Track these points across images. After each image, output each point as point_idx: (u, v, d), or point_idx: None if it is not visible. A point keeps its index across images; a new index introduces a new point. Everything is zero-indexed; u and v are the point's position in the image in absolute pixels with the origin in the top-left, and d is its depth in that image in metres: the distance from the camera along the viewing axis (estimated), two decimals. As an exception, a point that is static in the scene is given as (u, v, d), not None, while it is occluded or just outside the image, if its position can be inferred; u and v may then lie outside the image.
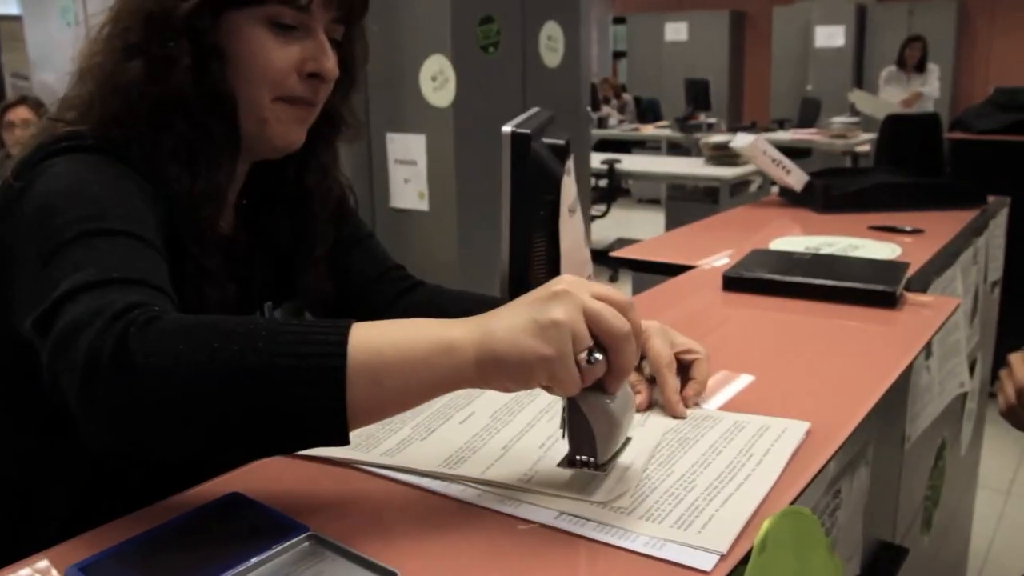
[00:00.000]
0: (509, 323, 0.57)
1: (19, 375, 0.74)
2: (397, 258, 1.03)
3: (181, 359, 0.55)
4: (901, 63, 6.41)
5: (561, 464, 0.64)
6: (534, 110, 0.92)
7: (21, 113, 3.14)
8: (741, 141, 1.99)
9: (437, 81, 2.57)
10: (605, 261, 1.70)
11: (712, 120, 6.97)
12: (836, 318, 1.08)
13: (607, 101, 8.19)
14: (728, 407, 0.80)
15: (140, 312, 0.57)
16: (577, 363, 0.57)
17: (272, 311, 0.93)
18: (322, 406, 0.55)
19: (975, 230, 1.65)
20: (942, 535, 1.58)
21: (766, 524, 0.56)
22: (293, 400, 0.55)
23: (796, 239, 1.54)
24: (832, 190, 1.81)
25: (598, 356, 0.58)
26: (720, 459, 0.68)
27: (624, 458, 0.65)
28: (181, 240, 0.77)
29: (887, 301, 1.09)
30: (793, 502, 0.63)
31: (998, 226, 1.90)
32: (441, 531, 0.60)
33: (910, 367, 0.98)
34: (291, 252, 0.93)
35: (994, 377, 1.39)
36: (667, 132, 7.01)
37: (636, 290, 1.48)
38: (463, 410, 0.79)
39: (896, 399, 1.10)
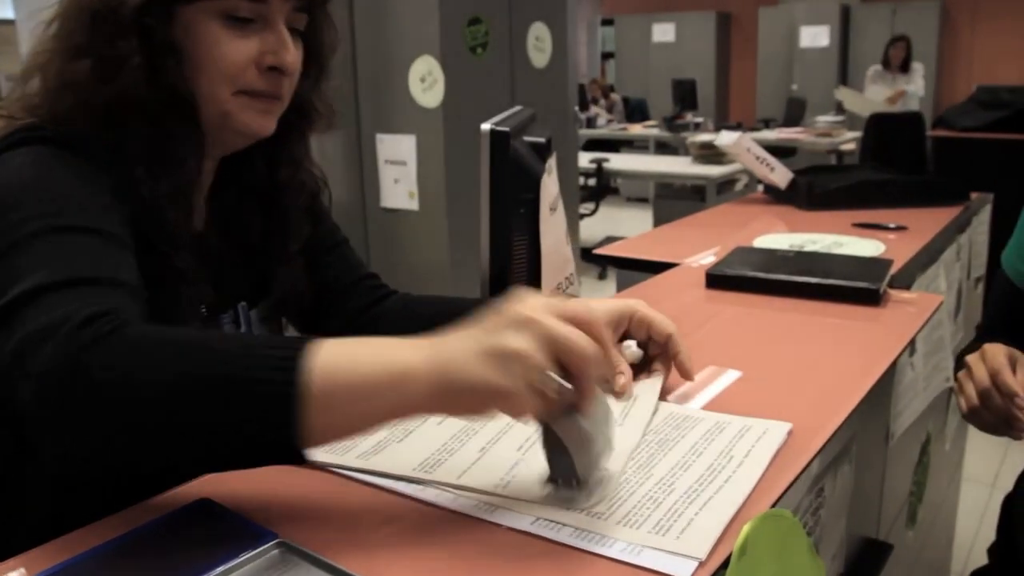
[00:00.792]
0: (464, 352, 0.54)
1: None
2: (388, 258, 1.02)
3: (138, 376, 0.54)
4: (886, 63, 6.44)
5: (544, 482, 0.63)
6: (516, 108, 0.91)
7: None
8: (725, 139, 1.99)
9: (426, 82, 2.56)
10: (592, 259, 1.69)
11: (699, 120, 7.00)
12: (820, 315, 1.07)
13: (596, 101, 8.21)
14: (711, 406, 0.79)
15: (103, 323, 0.56)
16: (543, 392, 0.54)
17: (247, 311, 0.91)
18: (273, 427, 0.54)
19: (958, 227, 1.65)
20: (927, 530, 1.57)
21: (746, 528, 0.55)
22: (246, 421, 0.54)
23: (780, 236, 1.53)
24: (816, 187, 1.81)
25: (566, 385, 0.55)
26: (700, 461, 0.67)
27: (605, 463, 0.64)
28: (150, 239, 0.75)
29: (871, 298, 1.09)
30: (775, 503, 0.62)
31: (981, 223, 1.90)
32: (414, 538, 0.58)
33: (894, 364, 0.98)
34: (265, 247, 0.91)
35: None
36: (655, 132, 7.03)
37: (620, 287, 1.47)
38: None
39: (880, 396, 1.09)
